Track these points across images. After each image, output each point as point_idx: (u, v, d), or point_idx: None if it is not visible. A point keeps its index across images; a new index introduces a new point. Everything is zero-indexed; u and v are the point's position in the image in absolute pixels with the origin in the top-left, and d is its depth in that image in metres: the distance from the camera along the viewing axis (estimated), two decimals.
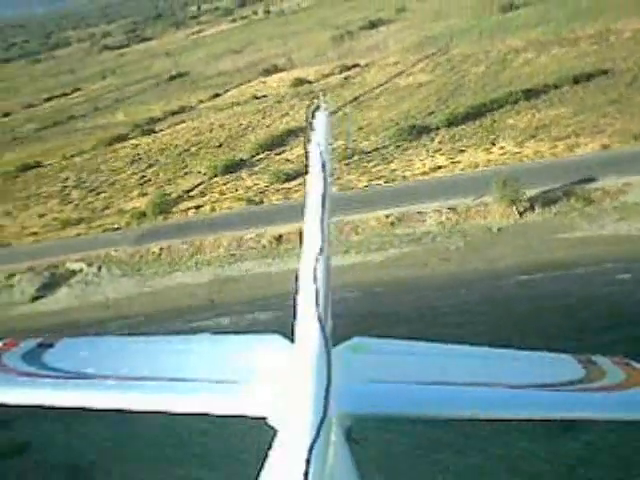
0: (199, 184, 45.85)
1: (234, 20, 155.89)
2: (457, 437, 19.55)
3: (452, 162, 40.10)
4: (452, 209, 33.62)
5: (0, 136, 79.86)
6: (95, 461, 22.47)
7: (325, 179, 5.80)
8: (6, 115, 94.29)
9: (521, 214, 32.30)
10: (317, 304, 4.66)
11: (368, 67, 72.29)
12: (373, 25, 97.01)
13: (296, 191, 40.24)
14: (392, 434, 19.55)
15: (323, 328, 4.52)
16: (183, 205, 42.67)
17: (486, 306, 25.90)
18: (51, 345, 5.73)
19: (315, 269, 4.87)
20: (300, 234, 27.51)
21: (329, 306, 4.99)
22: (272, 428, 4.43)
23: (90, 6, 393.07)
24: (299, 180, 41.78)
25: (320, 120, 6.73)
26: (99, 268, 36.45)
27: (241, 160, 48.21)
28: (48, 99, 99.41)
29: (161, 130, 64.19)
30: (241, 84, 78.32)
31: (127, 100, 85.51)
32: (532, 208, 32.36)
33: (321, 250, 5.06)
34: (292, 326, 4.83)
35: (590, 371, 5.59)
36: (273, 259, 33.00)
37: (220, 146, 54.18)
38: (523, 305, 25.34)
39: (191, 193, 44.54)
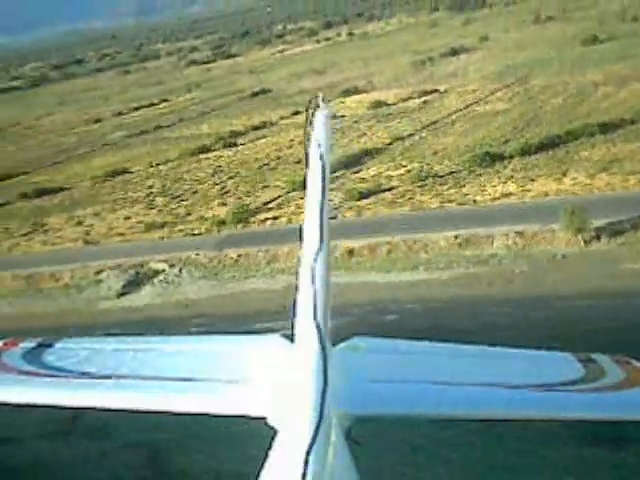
0: (277, 197, 48.07)
1: (318, 41, 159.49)
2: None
3: (523, 190, 41.11)
4: (519, 234, 34.75)
5: (91, 142, 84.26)
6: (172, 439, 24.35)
7: (324, 178, 5.76)
8: (97, 122, 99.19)
9: (587, 243, 33.19)
10: (315, 305, 4.67)
11: (447, 93, 73.71)
12: (455, 52, 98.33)
13: (368, 209, 41.98)
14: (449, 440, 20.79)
15: (320, 329, 4.51)
16: (261, 216, 44.90)
17: (542, 325, 27.03)
18: (51, 345, 5.76)
19: (313, 269, 4.88)
20: (371, 248, 29.24)
21: (329, 306, 5.00)
22: (272, 428, 4.47)
23: (180, 21, 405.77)
24: (372, 199, 43.59)
25: (320, 119, 6.65)
26: (180, 270, 38.92)
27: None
28: (136, 108, 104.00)
29: (242, 144, 66.97)
30: None
31: (211, 113, 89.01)
32: (598, 238, 33.22)
33: (320, 250, 5.05)
34: (292, 326, 4.83)
35: (590, 370, 5.59)
36: (345, 271, 34.66)
37: (299, 162, 56.26)
38: (577, 327, 26.37)
39: (269, 205, 46.77)
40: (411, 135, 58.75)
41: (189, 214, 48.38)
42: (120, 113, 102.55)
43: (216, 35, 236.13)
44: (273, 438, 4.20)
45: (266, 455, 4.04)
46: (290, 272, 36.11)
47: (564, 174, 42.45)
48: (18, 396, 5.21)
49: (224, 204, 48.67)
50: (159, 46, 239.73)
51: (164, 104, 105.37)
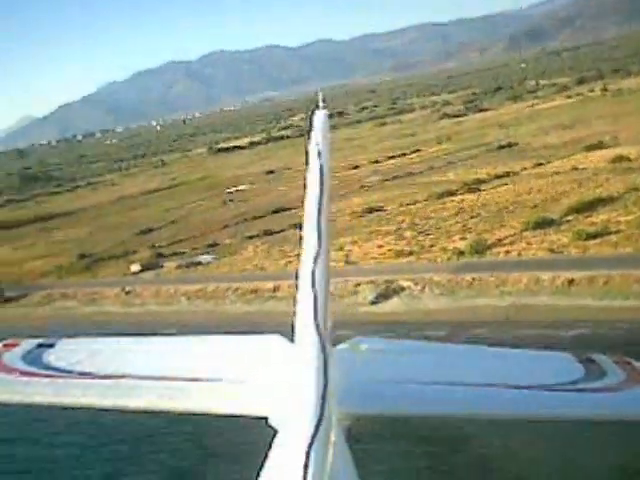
0: (511, 235, 54.33)
1: (569, 96, 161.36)
2: None
3: None
4: None
5: (350, 184, 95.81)
6: None
7: (323, 180, 5.83)
8: (355, 168, 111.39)
9: None
10: (316, 306, 4.67)
11: None
12: None
13: (593, 247, 46.92)
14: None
15: (321, 330, 4.51)
16: (495, 250, 51.49)
17: None
18: (51, 345, 5.90)
19: (314, 271, 4.91)
20: (589, 279, 35.03)
21: (328, 307, 5.02)
22: (272, 428, 4.65)
23: (435, 76, 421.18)
24: (598, 240, 48.38)
25: (319, 119, 6.53)
26: (423, 287, 46.83)
27: (551, 220, 55.58)
28: (391, 157, 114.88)
29: (485, 190, 73.79)
30: (564, 157, 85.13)
31: (458, 163, 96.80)
32: None
33: (320, 252, 5.12)
34: (292, 326, 4.97)
35: (590, 370, 5.68)
36: (566, 296, 40.23)
37: (535, 207, 62.01)
38: None
39: (503, 241, 53.18)
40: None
41: (433, 245, 56.26)
42: (376, 161, 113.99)
43: (469, 90, 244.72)
44: (273, 438, 4.24)
45: (266, 455, 4.09)
46: (517, 294, 42.53)
47: None
48: (19, 397, 5.36)
49: (464, 238, 55.89)
50: (414, 100, 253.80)
51: (416, 154, 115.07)
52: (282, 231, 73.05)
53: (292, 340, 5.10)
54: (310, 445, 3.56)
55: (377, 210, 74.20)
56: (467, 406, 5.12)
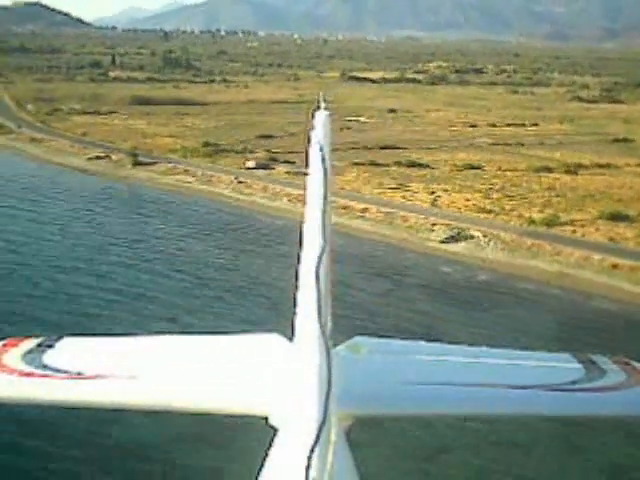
0: (585, 219, 59.61)
1: None
2: None
3: None
4: None
5: (461, 140, 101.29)
6: None
7: (325, 178, 5.79)
8: (473, 126, 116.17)
9: None
10: (319, 306, 4.60)
11: None
12: None
13: None
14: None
15: (324, 329, 4.47)
16: (564, 227, 57.11)
17: None
18: (51, 345, 5.81)
19: (317, 269, 4.82)
20: (632, 268, 40.91)
21: (329, 306, 5.05)
22: (272, 428, 4.57)
23: (586, 54, 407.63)
24: None
25: (320, 118, 6.67)
26: (489, 240, 53.43)
27: (626, 215, 60.24)
28: (509, 124, 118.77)
29: (581, 174, 78.24)
30: None
31: (569, 145, 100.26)
32: None
33: (322, 250, 5.02)
34: (292, 325, 4.98)
35: (590, 370, 5.66)
36: (606, 276, 46.11)
37: (619, 200, 66.54)
38: None
39: (575, 222, 58.57)
40: None
41: (512, 210, 62.25)
42: (494, 125, 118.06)
43: (614, 77, 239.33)
44: (273, 437, 4.31)
45: (266, 455, 4.10)
46: (566, 264, 48.60)
47: None
48: (19, 397, 5.38)
49: (541, 211, 61.55)
50: (555, 75, 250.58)
51: (534, 127, 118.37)
52: (386, 165, 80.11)
53: (291, 339, 5.22)
54: (313, 445, 3.55)
55: (477, 168, 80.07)
56: (467, 406, 5.26)
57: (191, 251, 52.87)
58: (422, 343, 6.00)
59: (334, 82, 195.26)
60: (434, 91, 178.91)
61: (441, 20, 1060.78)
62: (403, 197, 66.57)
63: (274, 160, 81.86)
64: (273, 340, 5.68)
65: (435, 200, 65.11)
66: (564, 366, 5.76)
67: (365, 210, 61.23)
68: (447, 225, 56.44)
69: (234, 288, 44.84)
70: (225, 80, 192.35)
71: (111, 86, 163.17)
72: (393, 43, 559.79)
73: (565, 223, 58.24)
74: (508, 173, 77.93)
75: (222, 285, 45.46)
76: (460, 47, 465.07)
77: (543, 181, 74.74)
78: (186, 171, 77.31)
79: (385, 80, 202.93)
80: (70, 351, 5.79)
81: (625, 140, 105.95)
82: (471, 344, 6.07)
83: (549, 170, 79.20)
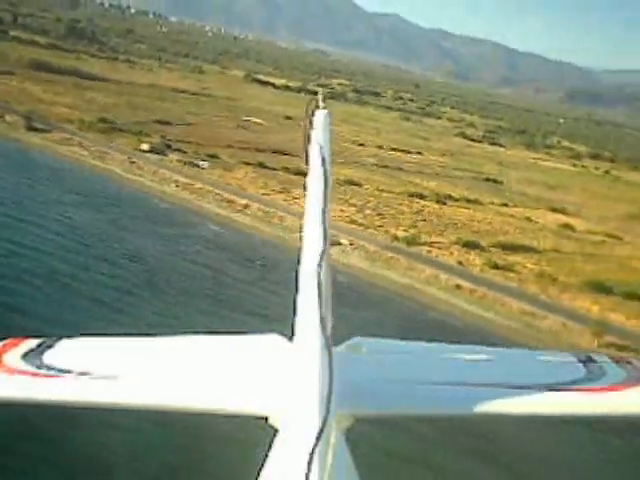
0: (442, 242, 66.28)
1: (575, 165, 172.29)
2: None
3: None
4: None
5: (347, 157, 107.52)
6: None
7: (325, 178, 5.79)
8: (360, 145, 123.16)
9: None
10: (320, 307, 4.67)
11: None
12: None
13: (494, 275, 58.98)
14: None
15: (325, 329, 4.53)
16: (423, 247, 63.55)
17: None
18: (51, 345, 5.84)
19: (318, 269, 4.87)
20: (472, 290, 47.19)
21: (330, 306, 5.07)
22: (272, 428, 4.61)
23: (481, 97, 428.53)
24: (500, 271, 60.38)
25: (320, 118, 6.61)
26: (354, 249, 58.91)
27: (479, 244, 67.43)
28: (394, 149, 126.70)
29: (449, 205, 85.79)
30: (527, 208, 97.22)
31: (444, 177, 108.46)
32: None
33: (323, 250, 5.07)
34: (292, 325, 5.01)
35: (590, 370, 5.68)
36: (449, 294, 52.33)
37: (476, 232, 74.00)
38: None
39: (433, 244, 65.16)
40: None
41: (381, 226, 68.48)
42: (381, 147, 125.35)
43: (499, 122, 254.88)
44: (273, 438, 4.34)
45: (266, 455, 4.14)
46: (416, 279, 54.56)
47: None
48: (19, 397, 5.40)
49: (406, 231, 67.95)
50: (447, 110, 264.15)
51: (416, 155, 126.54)
52: (274, 169, 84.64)
53: (291, 339, 5.15)
54: (314, 446, 3.62)
55: (356, 185, 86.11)
56: (467, 406, 5.11)
57: (66, 215, 56.13)
58: (422, 343, 6.03)
59: (237, 81, 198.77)
60: (331, 106, 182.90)
61: (353, 39, 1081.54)
62: (285, 200, 71.36)
63: (168, 147, 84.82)
64: (273, 340, 5.69)
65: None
66: (564, 365, 5.77)
67: (247, 206, 65.64)
68: None
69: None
70: (129, 60, 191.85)
71: (9, 45, 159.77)
72: (302, 53, 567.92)
73: (424, 244, 64.69)
74: (384, 194, 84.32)
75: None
76: (366, 69, 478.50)
77: (414, 205, 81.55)
78: (80, 144, 79.15)
79: (287, 88, 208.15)
80: (70, 351, 5.79)
81: (495, 181, 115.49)
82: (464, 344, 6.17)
83: (421, 197, 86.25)
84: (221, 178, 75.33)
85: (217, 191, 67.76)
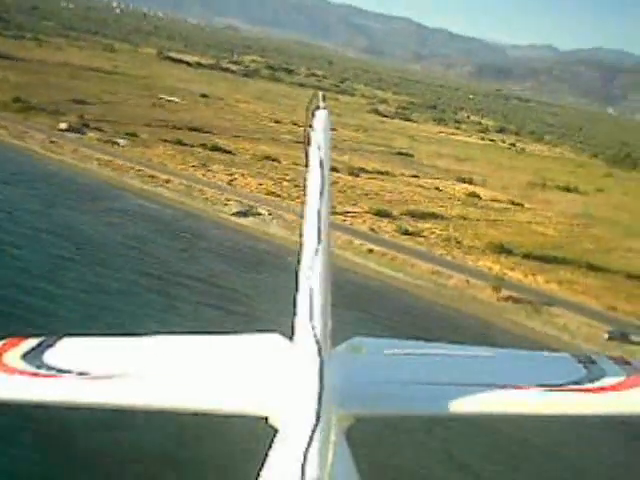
0: (356, 212, 70.26)
1: (483, 138, 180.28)
2: None
3: None
4: None
5: (265, 133, 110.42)
6: None
7: (324, 178, 5.84)
8: (277, 122, 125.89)
9: None
10: (312, 306, 4.69)
11: None
12: None
13: (405, 240, 63.39)
14: None
15: (316, 332, 4.54)
16: (338, 216, 67.34)
17: None
18: (52, 345, 5.84)
19: (313, 270, 4.89)
20: (382, 253, 51.00)
21: (329, 306, 5.06)
22: (272, 428, 4.63)
23: (392, 73, 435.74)
24: (410, 237, 64.85)
25: (320, 119, 6.62)
26: (273, 218, 62.25)
27: (390, 213, 71.77)
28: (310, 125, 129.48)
29: (361, 177, 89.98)
30: (437, 179, 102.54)
31: (358, 151, 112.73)
32: None
33: (319, 251, 5.09)
34: (292, 325, 4.98)
35: (590, 370, 5.71)
36: (361, 258, 56.34)
37: (388, 202, 78.33)
38: None
39: (348, 213, 69.07)
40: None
41: (298, 197, 71.39)
42: (296, 123, 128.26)
43: (411, 97, 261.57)
44: (273, 438, 4.35)
45: (266, 455, 4.17)
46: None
47: None
48: (19, 397, 5.41)
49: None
50: (360, 87, 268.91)
51: (331, 132, 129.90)
52: (192, 146, 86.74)
53: (291, 339, 5.13)
54: (308, 446, 3.65)
55: (274, 160, 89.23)
56: (467, 406, 5.14)
57: None
58: (422, 343, 6.02)
59: (150, 59, 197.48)
60: (246, 83, 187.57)
61: (266, 16, 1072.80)
62: (204, 175, 73.93)
63: (86, 126, 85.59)
64: (273, 340, 5.70)
65: (232, 181, 73.19)
66: (564, 366, 5.77)
67: (168, 181, 67.99)
68: (240, 202, 64.63)
69: None
70: (37, 39, 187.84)
71: None
72: (214, 30, 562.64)
73: (339, 213, 68.38)
74: (300, 167, 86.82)
75: None
76: (279, 45, 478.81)
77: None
78: None
79: (200, 65, 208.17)
80: (70, 351, 5.78)
81: (407, 154, 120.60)
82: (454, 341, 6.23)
83: (335, 170, 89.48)
84: (141, 155, 77.02)
85: (138, 167, 69.73)
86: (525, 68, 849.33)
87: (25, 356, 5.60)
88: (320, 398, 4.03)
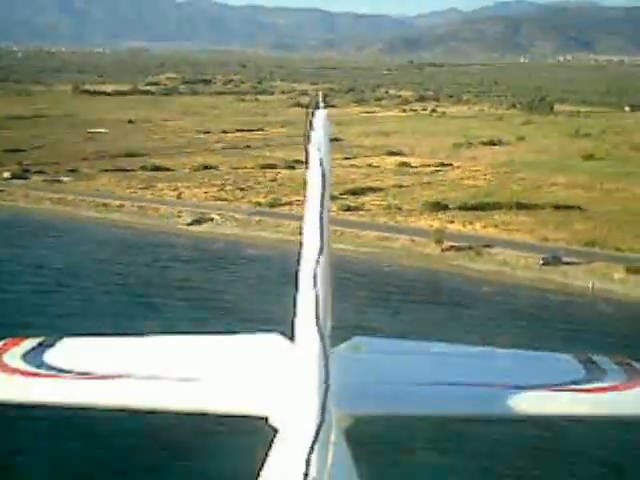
0: (299, 200, 75.26)
1: (404, 110, 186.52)
2: None
3: None
4: None
5: (197, 146, 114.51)
6: None
7: (324, 178, 5.80)
8: (206, 133, 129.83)
9: None
10: (317, 307, 4.63)
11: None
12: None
13: (348, 216, 68.68)
14: None
15: (322, 332, 4.49)
16: (284, 207, 72.36)
17: None
18: (52, 345, 5.83)
19: (315, 271, 4.85)
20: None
21: (330, 306, 5.09)
22: (272, 428, 4.64)
23: (307, 64, 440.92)
24: (353, 212, 70.13)
25: (320, 119, 6.73)
26: (225, 220, 67.18)
27: (331, 196, 76.85)
28: (238, 130, 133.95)
29: (298, 168, 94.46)
30: (368, 156, 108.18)
31: (289, 145, 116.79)
32: None
33: (321, 250, 5.06)
34: (292, 325, 5.01)
35: (590, 371, 5.69)
36: None
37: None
38: None
39: (293, 203, 74.08)
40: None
41: (243, 198, 76.72)
42: (225, 131, 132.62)
43: (328, 85, 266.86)
44: (273, 438, 4.37)
45: (266, 455, 4.18)
46: (286, 233, 63.32)
47: None
48: (19, 396, 5.40)
49: (266, 197, 76.48)
50: (278, 83, 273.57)
51: (259, 132, 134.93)
52: (132, 170, 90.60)
53: (292, 339, 5.15)
54: (312, 445, 3.63)
55: (212, 168, 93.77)
56: (467, 406, 5.22)
57: None
58: (422, 343, 6.08)
59: (67, 96, 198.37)
60: (168, 101, 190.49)
61: (169, 32, 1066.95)
62: (152, 194, 78.19)
63: (27, 171, 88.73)
64: (274, 340, 5.70)
65: (179, 195, 77.64)
66: (564, 366, 5.74)
67: (121, 206, 72.11)
68: (192, 212, 69.24)
69: None
70: None
71: None
72: (121, 54, 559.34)
73: (285, 204, 73.57)
74: (239, 171, 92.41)
75: None
76: (188, 58, 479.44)
77: (268, 175, 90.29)
78: None
79: (119, 93, 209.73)
80: (70, 351, 5.77)
81: (336, 139, 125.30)
82: (465, 343, 6.21)
83: (273, 167, 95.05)
84: (87, 188, 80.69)
85: (90, 199, 73.71)
86: (433, 35, 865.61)
87: (25, 356, 5.66)
88: (325, 397, 4.05)
